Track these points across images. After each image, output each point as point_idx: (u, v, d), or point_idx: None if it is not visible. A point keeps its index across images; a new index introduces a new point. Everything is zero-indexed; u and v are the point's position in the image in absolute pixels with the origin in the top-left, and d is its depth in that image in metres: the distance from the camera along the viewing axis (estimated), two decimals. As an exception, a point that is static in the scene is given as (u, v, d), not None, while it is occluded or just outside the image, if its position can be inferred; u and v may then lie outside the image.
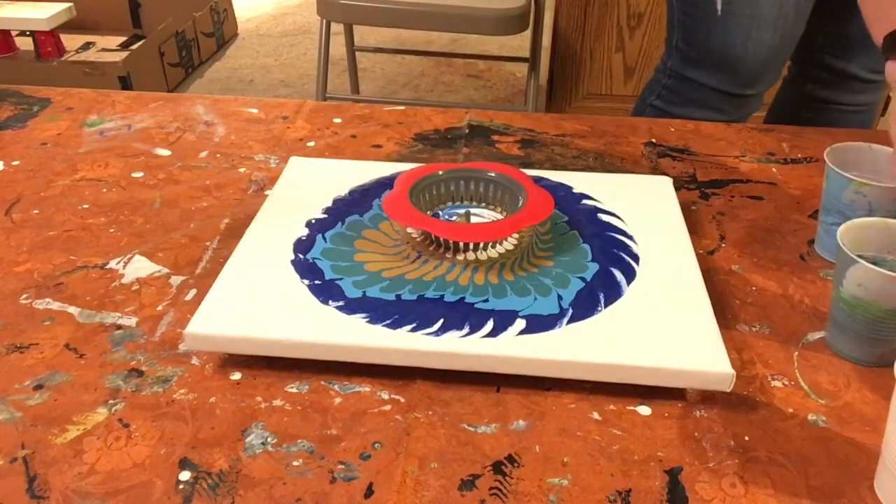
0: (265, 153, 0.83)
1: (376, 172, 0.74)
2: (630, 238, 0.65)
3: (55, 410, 0.52)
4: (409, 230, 0.64)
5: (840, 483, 0.48)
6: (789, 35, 0.97)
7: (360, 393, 0.53)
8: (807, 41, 1.05)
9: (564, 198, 0.70)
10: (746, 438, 0.50)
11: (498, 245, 0.63)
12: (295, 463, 0.48)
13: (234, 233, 0.68)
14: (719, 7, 0.94)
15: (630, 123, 0.91)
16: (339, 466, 0.48)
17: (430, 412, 0.52)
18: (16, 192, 0.76)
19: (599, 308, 0.57)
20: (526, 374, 0.53)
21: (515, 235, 0.64)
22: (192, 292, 0.62)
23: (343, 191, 0.71)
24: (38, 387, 0.54)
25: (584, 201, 0.70)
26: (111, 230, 0.70)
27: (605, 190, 0.71)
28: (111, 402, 0.52)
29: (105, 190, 0.76)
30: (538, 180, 0.71)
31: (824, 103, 1.06)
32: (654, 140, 0.87)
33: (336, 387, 0.54)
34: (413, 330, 0.54)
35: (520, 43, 2.51)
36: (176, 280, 0.64)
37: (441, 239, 0.62)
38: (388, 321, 0.55)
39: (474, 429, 0.51)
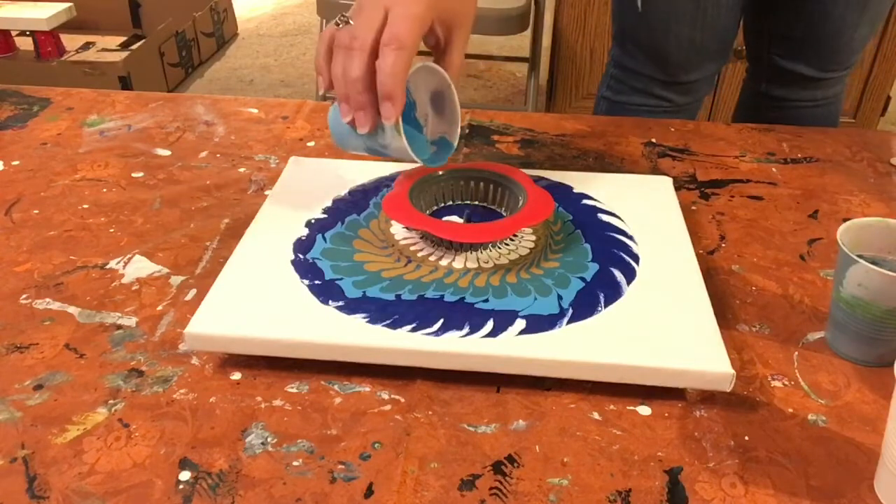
0: (265, 153, 0.83)
1: (376, 172, 0.74)
2: (630, 238, 0.65)
3: (55, 410, 0.52)
4: (393, 234, 0.64)
5: (840, 483, 0.48)
6: (714, 26, 0.97)
7: (360, 393, 0.53)
8: (756, 41, 1.05)
9: (564, 198, 0.70)
10: (746, 438, 0.50)
11: (501, 246, 0.63)
12: (295, 463, 0.48)
13: (234, 233, 0.68)
14: (639, 3, 0.96)
15: (630, 123, 0.91)
16: (339, 466, 0.48)
17: (430, 412, 0.52)
18: (16, 192, 0.76)
19: (599, 308, 0.57)
20: (526, 374, 0.53)
21: (532, 238, 0.64)
22: (192, 292, 0.62)
23: (343, 191, 0.71)
24: (38, 387, 0.54)
25: (584, 201, 0.70)
26: (111, 230, 0.70)
27: (605, 190, 0.71)
28: (111, 402, 0.52)
29: (105, 190, 0.76)
30: (538, 180, 0.71)
31: (781, 101, 1.06)
32: (654, 140, 0.87)
33: (336, 387, 0.54)
34: (413, 330, 0.54)
35: (520, 43, 2.51)
36: (176, 280, 0.64)
37: (443, 240, 0.62)
38: (387, 321, 0.55)
39: (474, 429, 0.51)
